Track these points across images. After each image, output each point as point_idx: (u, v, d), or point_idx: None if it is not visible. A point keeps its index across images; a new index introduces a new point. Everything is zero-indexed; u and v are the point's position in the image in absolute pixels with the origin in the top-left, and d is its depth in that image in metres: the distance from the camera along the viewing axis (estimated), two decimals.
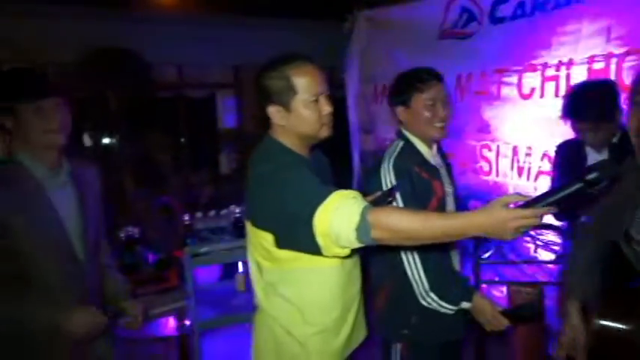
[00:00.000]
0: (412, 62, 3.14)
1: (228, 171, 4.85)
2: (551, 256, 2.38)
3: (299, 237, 1.18)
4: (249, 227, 1.38)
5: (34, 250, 1.35)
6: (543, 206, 1.04)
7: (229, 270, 2.99)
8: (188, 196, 3.61)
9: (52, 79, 1.44)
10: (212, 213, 2.56)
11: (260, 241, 1.33)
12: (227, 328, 2.83)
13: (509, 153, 2.65)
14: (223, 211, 2.56)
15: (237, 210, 2.51)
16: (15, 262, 1.33)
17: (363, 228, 1.08)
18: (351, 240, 1.10)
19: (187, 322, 2.26)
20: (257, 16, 4.91)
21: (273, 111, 1.33)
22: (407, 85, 1.61)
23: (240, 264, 2.84)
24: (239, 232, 2.50)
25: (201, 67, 5.25)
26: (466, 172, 2.90)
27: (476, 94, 2.88)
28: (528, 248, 2.55)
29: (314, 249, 1.17)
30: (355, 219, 1.08)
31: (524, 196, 1.07)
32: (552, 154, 2.26)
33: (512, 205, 1.05)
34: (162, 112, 4.67)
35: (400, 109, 1.64)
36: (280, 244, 1.28)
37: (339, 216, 1.10)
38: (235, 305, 2.65)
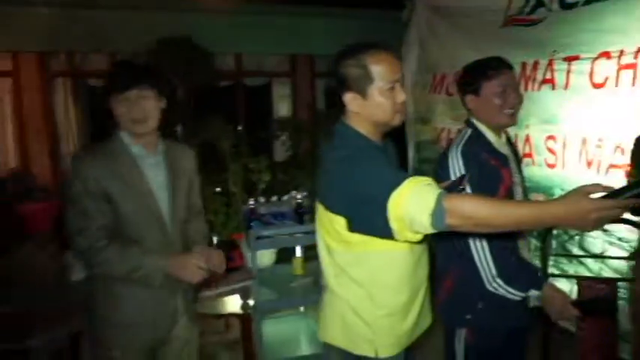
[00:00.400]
0: (474, 51, 3.09)
1: (283, 158, 4.96)
2: (622, 253, 2.29)
3: (372, 221, 1.21)
4: (321, 210, 1.42)
5: (130, 215, 1.53)
6: (626, 198, 1.01)
7: (284, 254, 3.09)
8: (247, 182, 3.73)
9: (145, 71, 1.54)
10: (274, 198, 2.64)
11: (332, 224, 1.37)
12: (285, 308, 2.95)
13: (578, 145, 2.55)
14: (285, 197, 2.64)
15: (299, 196, 2.58)
16: (119, 224, 1.54)
17: (438, 214, 1.09)
18: (425, 225, 1.12)
19: (250, 302, 2.36)
20: (314, 5, 4.95)
21: (349, 98, 1.36)
22: (477, 74, 1.62)
23: (297, 248, 2.92)
24: (300, 218, 2.57)
25: (259, 56, 5.38)
26: (529, 164, 2.83)
27: (542, 83, 2.80)
28: (594, 243, 2.46)
29: (387, 233, 1.20)
30: (430, 204, 1.10)
31: (606, 187, 1.05)
32: (626, 146, 2.16)
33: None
34: (222, 100, 4.83)
35: (470, 98, 1.64)
36: (352, 227, 1.32)
37: (414, 201, 1.12)
38: (293, 288, 2.74)
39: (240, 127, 4.71)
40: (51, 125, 4.67)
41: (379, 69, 1.32)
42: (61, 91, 4.75)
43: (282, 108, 5.54)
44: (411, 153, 4.14)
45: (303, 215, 2.56)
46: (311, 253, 3.04)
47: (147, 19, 4.53)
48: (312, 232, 2.48)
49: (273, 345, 2.68)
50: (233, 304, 2.51)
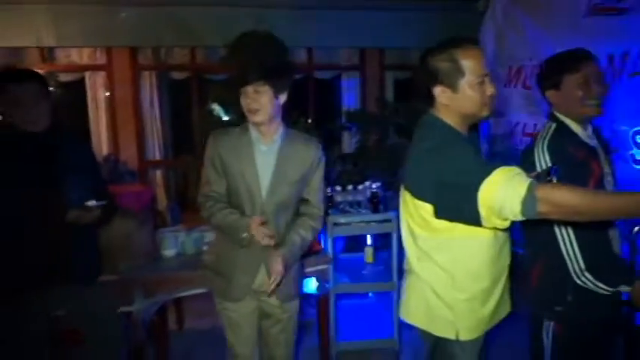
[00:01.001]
0: (554, 42, 3.00)
1: (351, 150, 5.05)
2: None
3: (461, 207, 1.27)
4: (408, 197, 1.49)
5: (234, 190, 1.83)
6: None
7: (350, 242, 3.18)
8: None
9: (263, 69, 1.74)
10: (350, 187, 2.74)
11: (417, 210, 1.45)
12: (359, 292, 3.06)
13: None
14: (360, 187, 2.73)
15: (374, 186, 2.66)
16: (229, 195, 1.87)
17: (529, 201, 1.13)
18: (515, 212, 1.16)
19: (327, 285, 2.48)
20: None
21: (439, 91, 1.42)
22: (557, 68, 1.62)
23: (368, 237, 3.02)
24: (374, 207, 2.66)
25: (329, 50, 5.48)
26: (615, 160, 2.71)
27: (631, 75, 2.67)
28: None
29: (474, 220, 1.25)
30: (522, 192, 1.14)
31: None
32: None
33: None
34: (293, 93, 4.99)
35: (551, 93, 1.64)
36: (439, 213, 1.38)
37: (505, 189, 1.17)
38: (364, 275, 2.84)
39: (310, 120, 4.84)
40: (138, 115, 5.05)
41: (470, 63, 1.37)
42: (147, 84, 5.11)
43: (351, 100, 5.61)
44: (484, 146, 4.07)
45: (378, 204, 2.64)
46: (381, 242, 3.13)
47: (226, 15, 4.77)
48: (387, 221, 2.58)
49: (345, 328, 2.80)
50: (308, 286, 2.65)
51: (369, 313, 3.12)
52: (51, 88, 2.38)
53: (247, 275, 1.85)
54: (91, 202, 1.87)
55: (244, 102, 1.76)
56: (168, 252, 2.58)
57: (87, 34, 4.68)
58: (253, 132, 1.82)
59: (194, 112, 5.16)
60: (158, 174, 5.27)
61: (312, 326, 2.97)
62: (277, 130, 1.84)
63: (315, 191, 1.91)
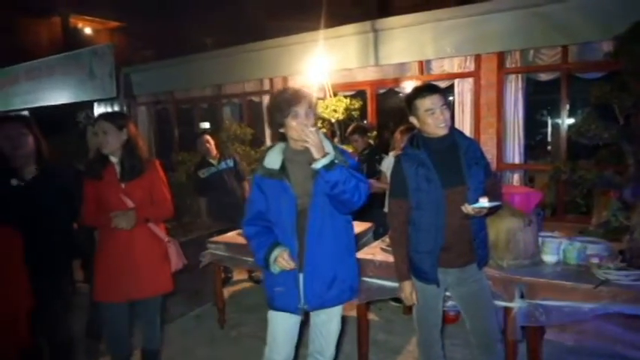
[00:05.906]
0: None
1: None
2: None
3: None
4: None
5: None
6: None
7: None
8: None
9: None
10: None
11: None
12: None
13: None
14: None
15: None
16: None
17: None
18: None
19: None
20: None
21: None
22: None
23: None
24: None
25: None
26: None
27: None
28: None
29: None
30: None
31: None
32: None
33: None
34: None
35: None
36: None
37: None
38: None
39: None
40: (500, 119, 5.17)
41: None
42: (511, 87, 5.16)
43: None
44: None
45: None
46: None
47: (608, 5, 4.28)
48: None
49: None
50: None
51: None
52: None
53: None
54: (484, 201, 2.02)
55: None
56: (549, 258, 2.54)
57: (459, 45, 5.10)
58: None
59: (562, 114, 4.89)
60: (515, 177, 5.26)
61: None
62: None
63: None
